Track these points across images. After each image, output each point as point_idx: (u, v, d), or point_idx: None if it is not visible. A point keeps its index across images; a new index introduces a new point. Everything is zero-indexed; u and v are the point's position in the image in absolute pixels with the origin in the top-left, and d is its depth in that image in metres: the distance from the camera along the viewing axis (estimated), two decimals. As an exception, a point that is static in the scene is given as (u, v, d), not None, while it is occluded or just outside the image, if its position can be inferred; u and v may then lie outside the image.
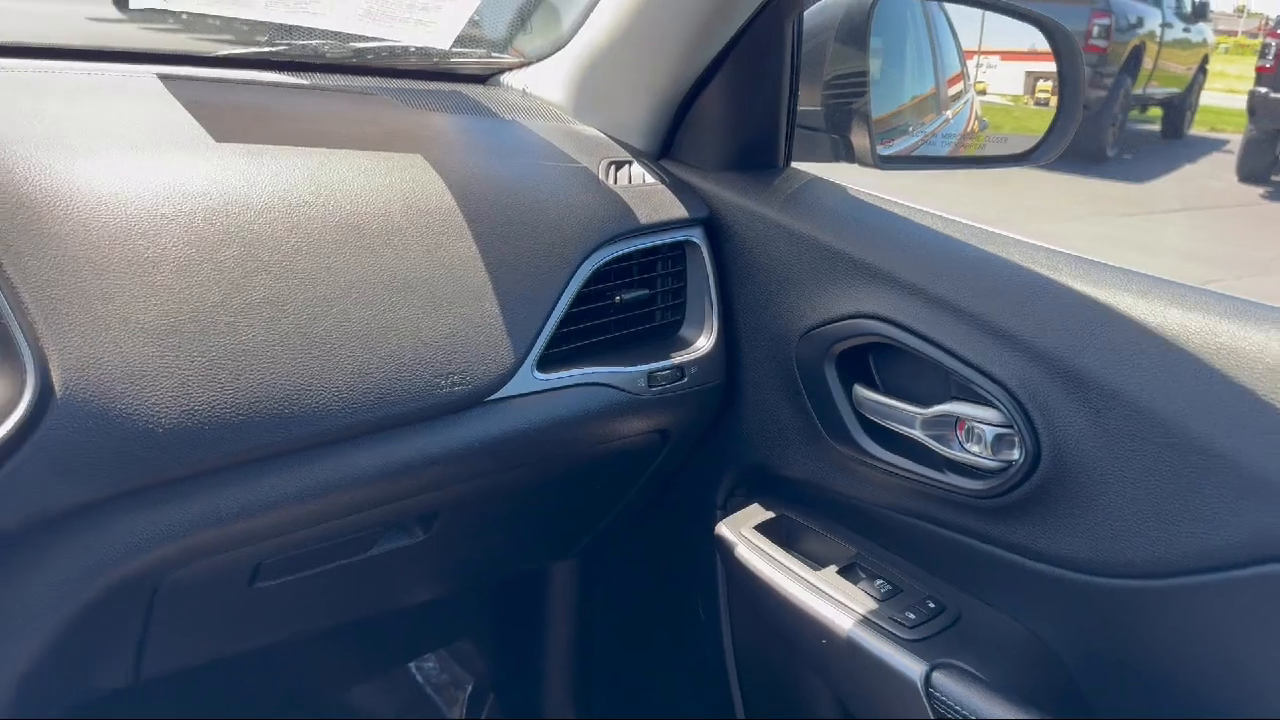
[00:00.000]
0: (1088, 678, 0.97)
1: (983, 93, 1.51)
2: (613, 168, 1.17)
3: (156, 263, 0.83)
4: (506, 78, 1.35)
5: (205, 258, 0.85)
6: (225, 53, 1.19)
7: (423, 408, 0.93)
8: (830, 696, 1.21)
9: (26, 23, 1.18)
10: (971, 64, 1.47)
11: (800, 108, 1.24)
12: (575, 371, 1.06)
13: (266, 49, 1.22)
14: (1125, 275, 0.95)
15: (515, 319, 1.00)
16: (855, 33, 1.20)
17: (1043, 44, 1.25)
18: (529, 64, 1.34)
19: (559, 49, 1.29)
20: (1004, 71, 1.49)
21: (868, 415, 1.07)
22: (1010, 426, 0.95)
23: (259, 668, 1.43)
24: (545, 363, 1.03)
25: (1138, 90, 10.13)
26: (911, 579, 1.09)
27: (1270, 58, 8.94)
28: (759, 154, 1.23)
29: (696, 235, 1.17)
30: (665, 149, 1.25)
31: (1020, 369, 0.93)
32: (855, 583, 1.08)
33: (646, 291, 1.14)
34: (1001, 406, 0.95)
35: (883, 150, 1.23)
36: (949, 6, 1.44)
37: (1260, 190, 8.93)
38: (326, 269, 0.90)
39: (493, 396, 0.99)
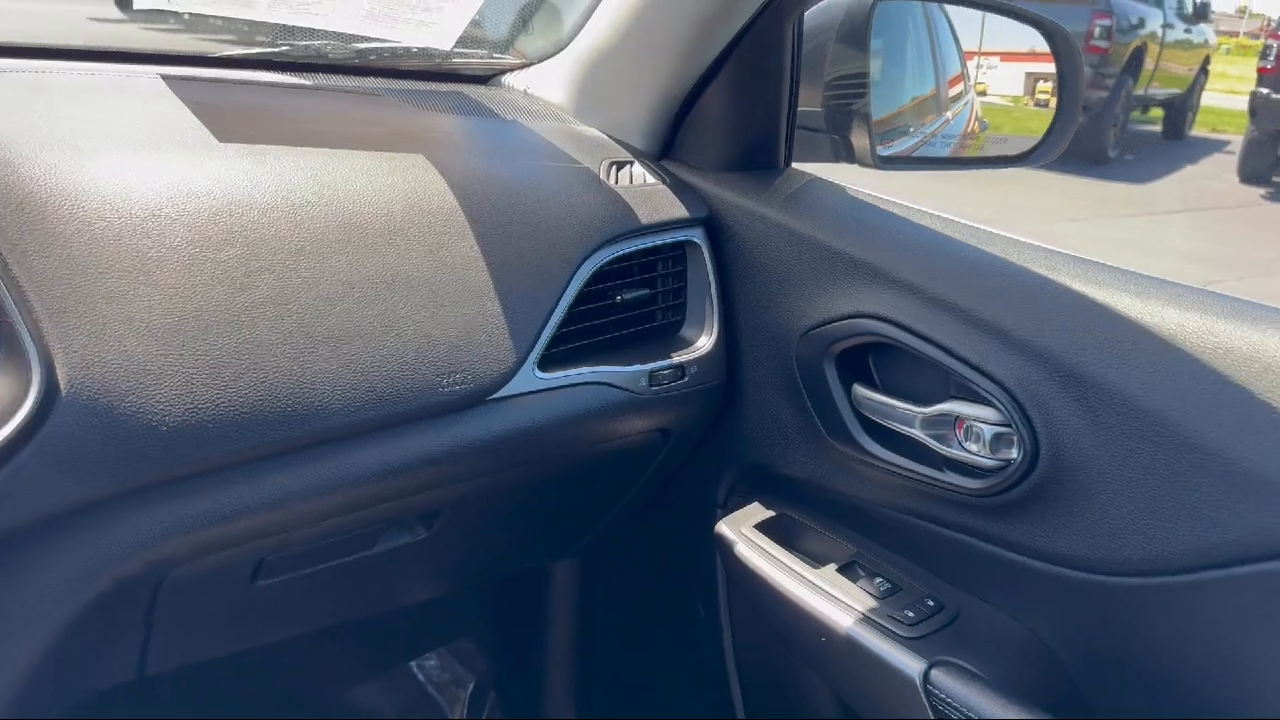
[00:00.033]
0: (1086, 676, 0.97)
1: (983, 94, 1.51)
2: (614, 168, 1.17)
3: (160, 262, 0.83)
4: (508, 78, 1.36)
5: (209, 257, 0.85)
6: (228, 53, 1.20)
7: (425, 406, 0.94)
8: (830, 694, 1.21)
9: (32, 23, 1.18)
10: (972, 65, 1.48)
11: (800, 108, 1.24)
12: (576, 371, 1.06)
13: (269, 49, 1.23)
14: (1123, 275, 0.96)
15: (517, 318, 1.00)
16: (855, 34, 1.20)
17: (1043, 45, 1.26)
18: (530, 65, 1.34)
19: (560, 50, 1.29)
20: (1004, 72, 1.50)
21: (867, 414, 1.08)
22: (1009, 425, 0.95)
23: (261, 666, 1.43)
24: (546, 362, 1.04)
25: (1139, 91, 10.13)
26: (910, 577, 1.09)
27: (1272, 59, 8.94)
28: (759, 154, 1.24)
29: (697, 235, 1.18)
30: (666, 149, 1.25)
31: (1019, 368, 0.94)
32: (854, 581, 1.09)
33: (647, 291, 1.15)
34: (1000, 406, 0.95)
35: (883, 151, 1.24)
36: (949, 8, 1.44)
37: (1261, 191, 8.93)
38: (329, 268, 0.91)
39: (494, 395, 0.99)
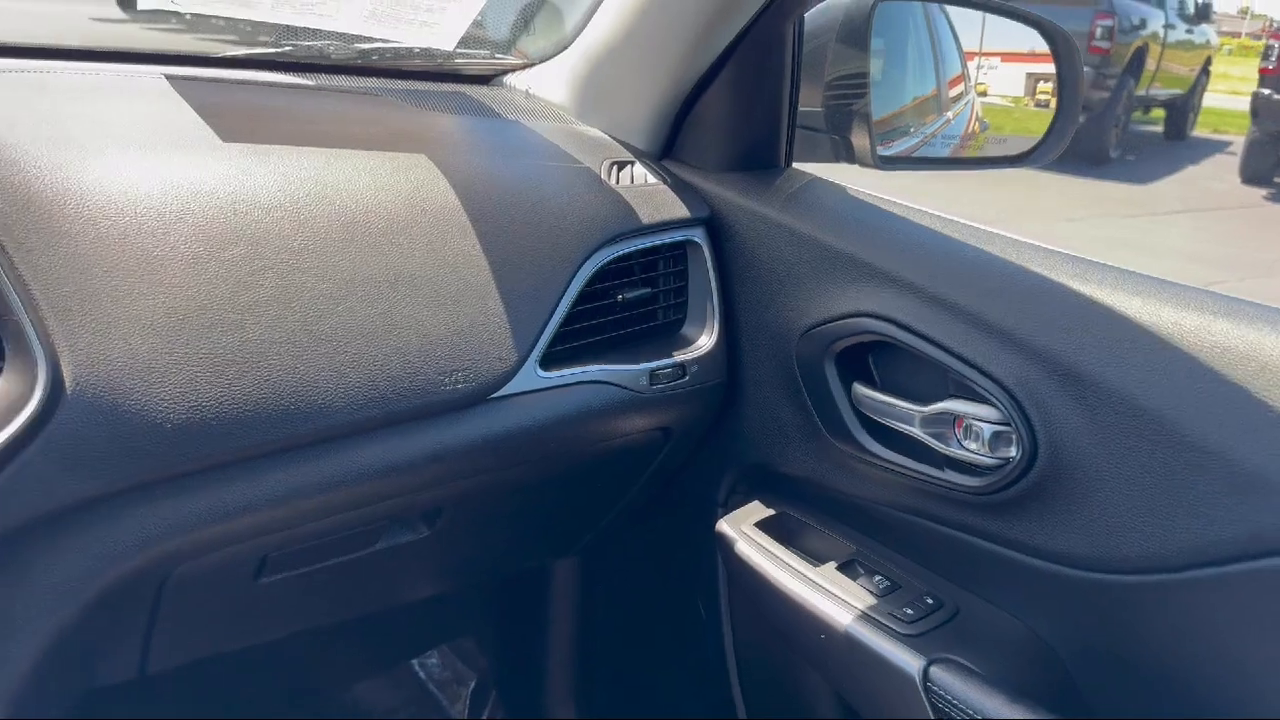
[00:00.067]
0: (1084, 673, 0.98)
1: (984, 94, 1.52)
2: (615, 168, 1.18)
3: (165, 261, 0.84)
4: (510, 79, 1.36)
5: (212, 256, 0.86)
6: (231, 53, 1.20)
7: (427, 404, 0.95)
8: (829, 692, 1.22)
9: (37, 24, 1.19)
10: (972, 65, 1.48)
11: (801, 109, 1.25)
12: (578, 369, 1.07)
13: (272, 50, 1.23)
14: (1121, 275, 0.96)
15: (518, 317, 1.01)
16: (856, 34, 1.21)
17: (1043, 46, 1.26)
18: (532, 65, 1.35)
19: (562, 50, 1.30)
20: (1005, 73, 1.50)
21: (867, 413, 1.08)
22: (1008, 424, 0.96)
23: (263, 664, 1.44)
24: (548, 361, 1.04)
25: (1140, 92, 10.13)
26: (910, 575, 1.10)
27: (1273, 59, 8.93)
28: (760, 154, 1.24)
29: (698, 235, 1.18)
30: (667, 149, 1.26)
31: (1018, 367, 0.94)
32: (854, 579, 1.09)
33: (648, 290, 1.15)
34: (999, 404, 0.96)
35: (883, 151, 1.24)
36: (950, 8, 1.45)
37: (1263, 192, 8.92)
38: (332, 267, 0.91)
39: (496, 394, 1.00)
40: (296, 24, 1.09)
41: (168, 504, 0.84)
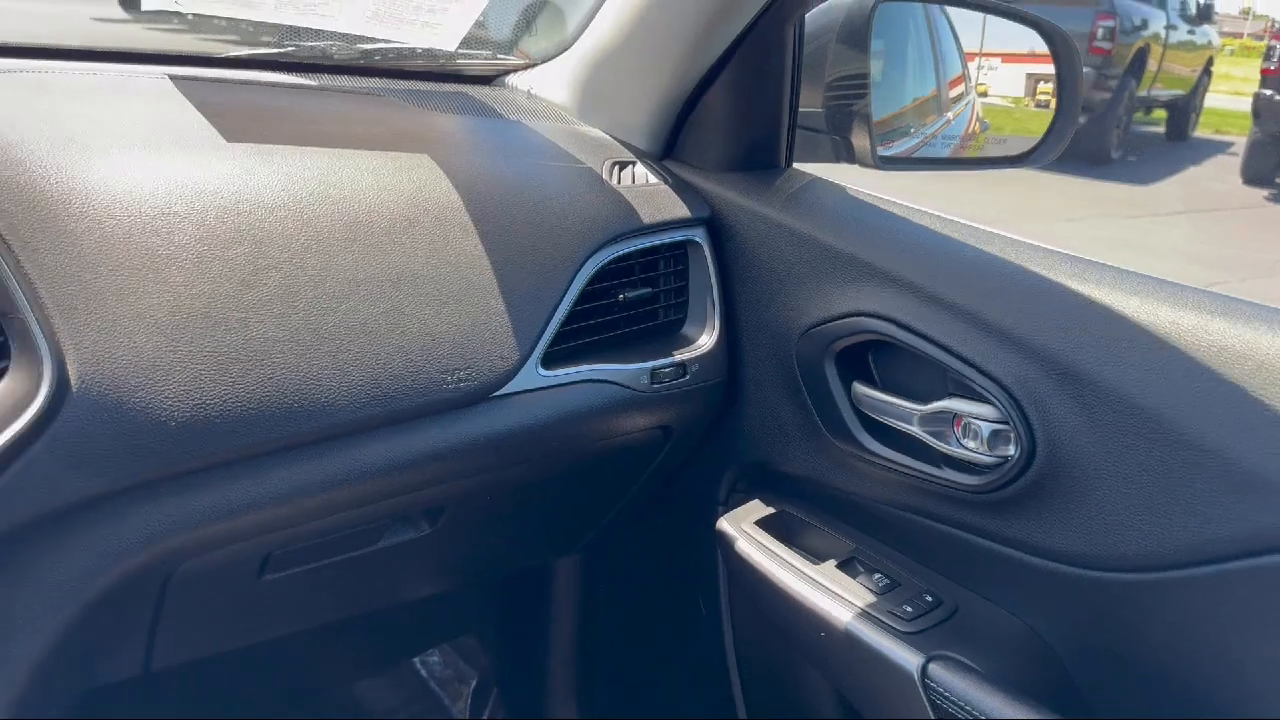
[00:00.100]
0: (1082, 670, 0.98)
1: (984, 95, 1.52)
2: (616, 168, 1.18)
3: (169, 260, 0.84)
4: (512, 79, 1.37)
5: (217, 255, 0.86)
6: (234, 54, 1.21)
7: (429, 403, 0.95)
8: (829, 689, 1.22)
9: (41, 24, 1.19)
10: (973, 66, 1.48)
11: (802, 109, 1.25)
12: (579, 368, 1.07)
13: (275, 50, 1.24)
14: (1119, 274, 0.97)
15: (520, 316, 1.01)
16: (856, 35, 1.21)
17: (1043, 47, 1.27)
18: (534, 65, 1.35)
19: (563, 51, 1.30)
20: (1005, 74, 1.51)
21: (867, 412, 1.09)
22: (1006, 423, 0.96)
23: (265, 662, 1.44)
24: (549, 359, 1.05)
25: (1142, 92, 10.13)
26: (909, 573, 1.10)
27: (1275, 60, 8.93)
28: (761, 155, 1.25)
29: (699, 235, 1.19)
30: (668, 150, 1.27)
31: (1016, 366, 0.95)
32: (854, 576, 1.10)
33: (649, 290, 1.16)
34: (998, 403, 0.96)
35: (883, 151, 1.24)
36: (950, 9, 1.45)
37: (1265, 193, 8.92)
38: (335, 266, 0.92)
39: (498, 392, 1.01)
40: (299, 24, 1.10)
41: (172, 501, 0.85)
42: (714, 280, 1.19)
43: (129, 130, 0.93)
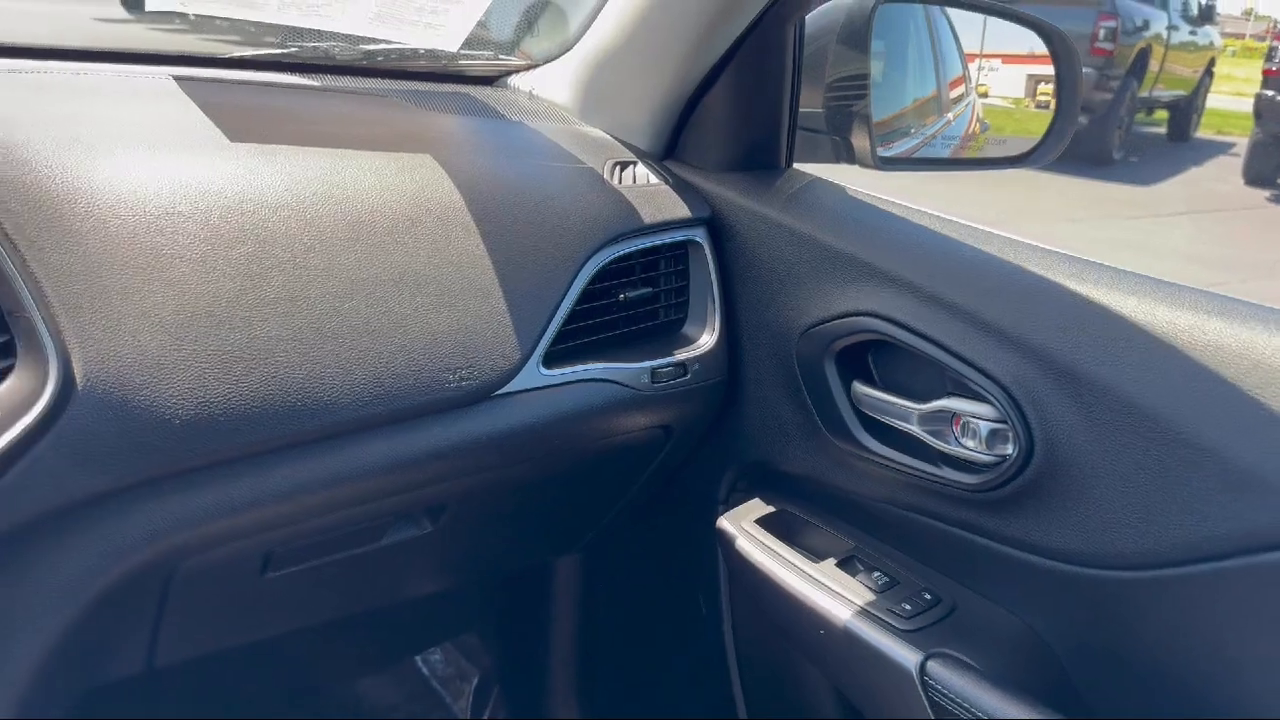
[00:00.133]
0: (1079, 668, 0.99)
1: (984, 95, 1.52)
2: (617, 168, 1.19)
3: (173, 259, 0.85)
4: (513, 80, 1.37)
5: (221, 254, 0.87)
6: (237, 54, 1.21)
7: (431, 401, 0.96)
8: (829, 687, 1.23)
9: (45, 25, 1.20)
10: (973, 67, 1.49)
11: (802, 110, 1.26)
12: (580, 367, 1.08)
13: (278, 51, 1.24)
14: (1116, 274, 0.97)
15: (521, 315, 1.02)
16: (856, 36, 1.22)
17: (1043, 48, 1.27)
18: (535, 66, 1.36)
19: (565, 52, 1.31)
20: (1005, 74, 1.51)
21: (866, 411, 1.09)
22: (1004, 422, 0.97)
23: (266, 661, 1.45)
24: (551, 359, 1.05)
25: (1144, 93, 10.13)
26: (908, 571, 1.10)
27: (1277, 61, 8.92)
28: (761, 155, 1.25)
29: (699, 235, 1.19)
30: (669, 150, 1.27)
31: (1014, 365, 0.95)
32: (853, 575, 1.10)
33: (650, 290, 1.16)
34: (996, 402, 0.97)
35: (883, 152, 1.25)
36: (950, 10, 1.46)
37: (1266, 193, 8.92)
38: (338, 266, 0.92)
39: (499, 391, 1.01)
40: (302, 25, 1.10)
41: (176, 499, 0.86)
42: (714, 280, 1.20)
43: (133, 130, 0.94)
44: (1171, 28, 10.46)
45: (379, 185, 0.99)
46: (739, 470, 1.28)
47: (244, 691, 1.46)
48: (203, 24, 1.29)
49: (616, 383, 1.11)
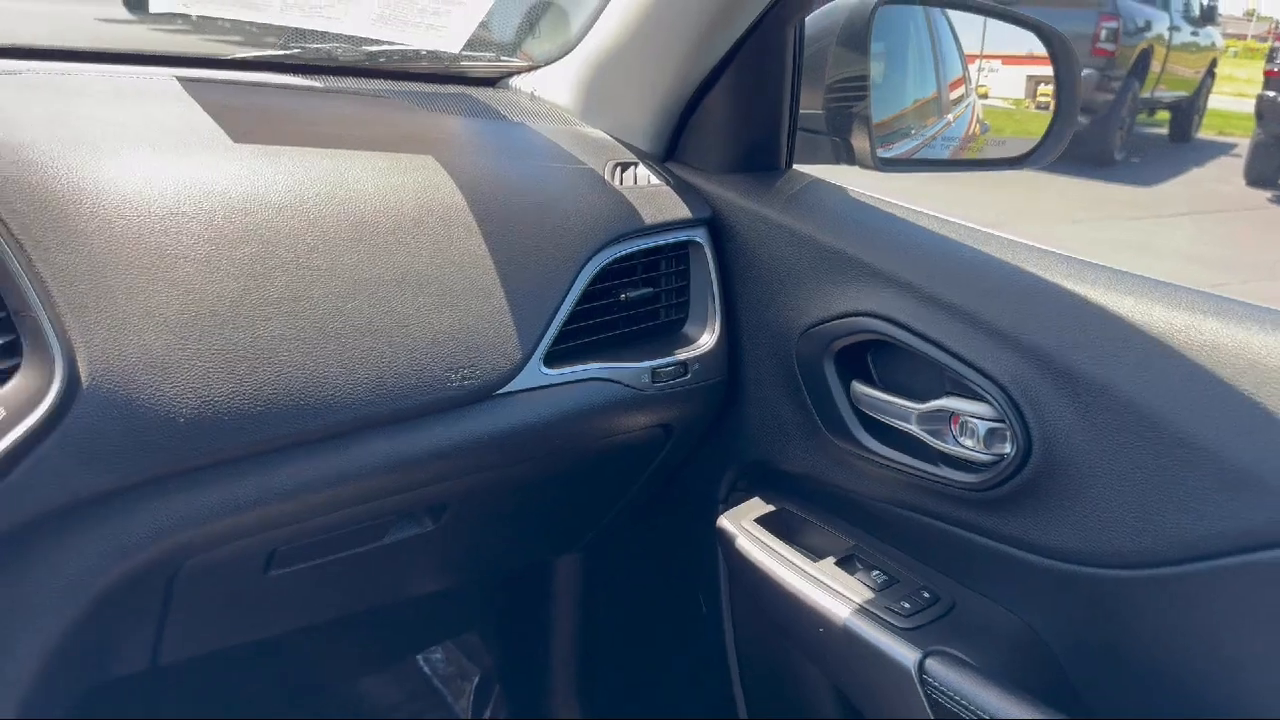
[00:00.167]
0: (1077, 666, 0.99)
1: (984, 96, 1.53)
2: (618, 169, 1.20)
3: (178, 259, 0.85)
4: (515, 81, 1.38)
5: (225, 254, 0.88)
6: (240, 55, 1.22)
7: (433, 401, 0.96)
8: (828, 685, 1.23)
9: (50, 25, 1.21)
10: (973, 68, 1.49)
11: (802, 111, 1.26)
12: (581, 367, 1.08)
13: (281, 52, 1.25)
14: (1114, 275, 0.98)
15: (523, 315, 1.03)
16: (856, 37, 1.22)
17: (1042, 49, 1.28)
18: (537, 68, 1.37)
19: (566, 53, 1.31)
20: (1005, 75, 1.51)
21: (866, 411, 1.10)
22: (1002, 421, 0.97)
23: (268, 659, 1.45)
24: (552, 358, 1.06)
25: (1145, 94, 10.12)
26: (907, 570, 1.11)
27: (1279, 62, 8.92)
28: (761, 156, 1.26)
29: (700, 235, 1.20)
30: (670, 151, 1.28)
31: (1012, 365, 0.96)
32: (852, 573, 1.11)
33: (651, 290, 1.17)
34: (994, 401, 0.97)
35: (883, 153, 1.25)
36: (950, 11, 1.46)
37: (1268, 194, 8.92)
38: (341, 266, 0.93)
39: (501, 391, 1.02)
40: (305, 27, 1.11)
41: (180, 497, 0.86)
42: (715, 280, 1.20)
43: (138, 131, 0.95)
44: (1173, 29, 10.45)
45: (382, 186, 1.00)
46: (739, 469, 1.28)
47: (246, 690, 1.46)
48: (205, 25, 1.29)
49: (617, 382, 1.11)
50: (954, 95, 1.49)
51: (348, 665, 1.70)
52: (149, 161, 0.91)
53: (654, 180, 1.21)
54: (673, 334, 1.20)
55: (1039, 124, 1.30)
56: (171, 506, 0.86)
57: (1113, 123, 9.20)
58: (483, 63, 1.42)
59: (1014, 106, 1.59)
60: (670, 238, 1.17)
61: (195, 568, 0.94)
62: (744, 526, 1.19)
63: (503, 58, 1.45)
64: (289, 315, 0.89)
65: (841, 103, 1.25)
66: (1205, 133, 12.46)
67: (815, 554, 1.14)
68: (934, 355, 1.02)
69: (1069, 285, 0.97)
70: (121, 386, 0.80)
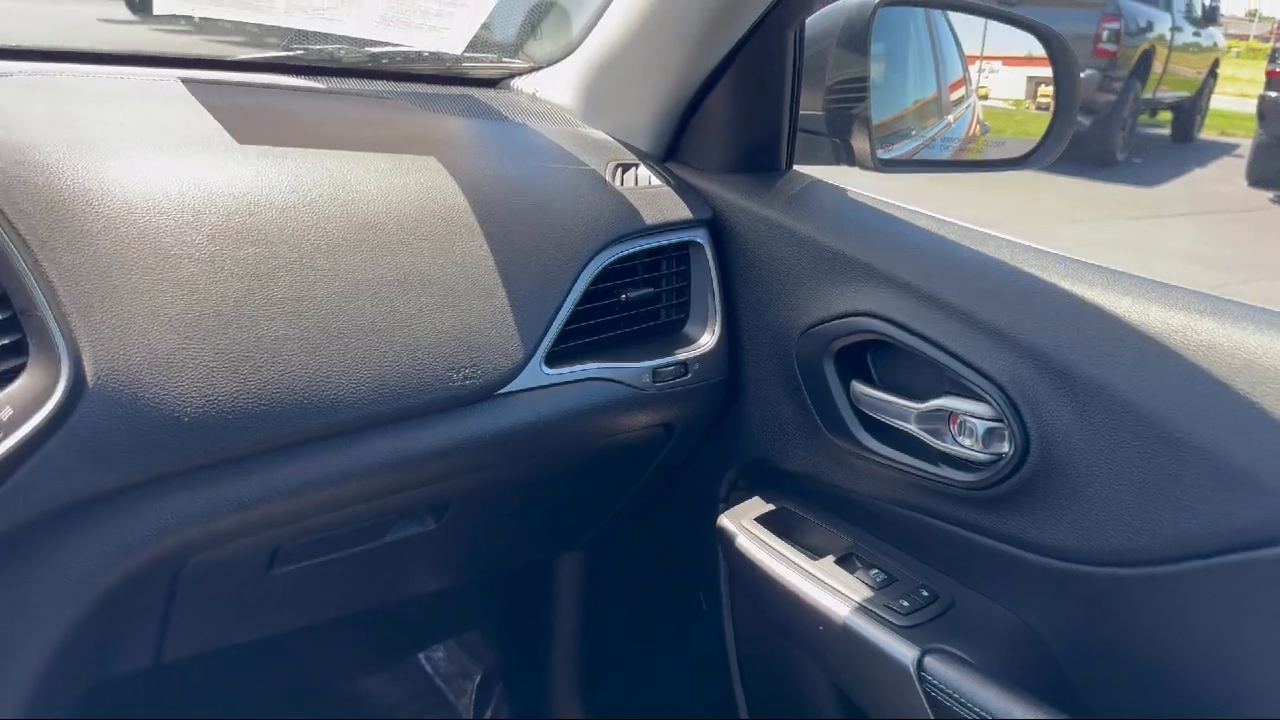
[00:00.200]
0: (1075, 664, 1.00)
1: (985, 97, 1.53)
2: (620, 170, 1.20)
3: (182, 259, 0.86)
4: (517, 82, 1.39)
5: (229, 255, 0.88)
6: (243, 57, 1.23)
7: (436, 400, 0.97)
8: (828, 683, 1.24)
9: (52, 26, 1.21)
10: (974, 69, 1.50)
11: (802, 112, 1.27)
12: (582, 367, 1.09)
13: (284, 53, 1.26)
14: (1111, 275, 0.98)
15: (525, 315, 1.03)
16: (856, 39, 1.23)
17: (1041, 50, 1.28)
18: (539, 69, 1.37)
19: (568, 54, 1.32)
20: (1006, 76, 1.52)
21: (865, 410, 1.10)
22: (1000, 420, 0.98)
23: (270, 658, 1.46)
24: (553, 358, 1.06)
25: (1148, 94, 10.11)
26: (906, 568, 1.12)
27: (1281, 62, 8.92)
28: (762, 157, 1.27)
29: (700, 236, 1.20)
30: (671, 152, 1.28)
31: (1010, 365, 0.97)
32: (852, 572, 1.11)
33: (651, 290, 1.17)
34: (992, 401, 0.98)
35: (883, 154, 1.26)
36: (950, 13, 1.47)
37: (1270, 195, 8.90)
38: (344, 266, 0.93)
39: (503, 390, 1.02)
40: (309, 29, 1.12)
41: (185, 495, 0.87)
42: (715, 280, 1.21)
43: (142, 132, 0.95)
44: (1175, 29, 10.44)
45: (384, 187, 1.01)
46: (739, 469, 1.29)
47: (247, 690, 1.47)
48: (208, 26, 1.30)
49: (618, 382, 1.12)
50: (954, 96, 1.50)
51: (350, 664, 1.71)
52: (153, 162, 0.92)
53: (655, 181, 1.21)
54: (673, 334, 1.21)
55: (1039, 125, 1.30)
56: (176, 504, 0.87)
57: (1115, 123, 9.19)
58: (484, 64, 1.42)
59: (1014, 107, 1.59)
60: (671, 238, 1.18)
61: (199, 566, 0.95)
62: (744, 525, 1.20)
63: (504, 59, 1.45)
64: (292, 315, 0.89)
65: (842, 104, 1.25)
66: (1207, 133, 12.44)
67: (815, 553, 1.15)
68: (933, 355, 1.02)
69: (1066, 285, 0.98)
70: (127, 385, 0.81)
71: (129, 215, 0.86)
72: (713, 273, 1.21)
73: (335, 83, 1.23)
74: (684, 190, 1.22)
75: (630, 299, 1.15)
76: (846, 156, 1.26)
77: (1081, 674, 0.99)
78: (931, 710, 0.98)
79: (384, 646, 1.71)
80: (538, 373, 1.05)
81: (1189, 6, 11.10)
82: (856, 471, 1.14)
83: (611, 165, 1.20)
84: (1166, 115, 11.89)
